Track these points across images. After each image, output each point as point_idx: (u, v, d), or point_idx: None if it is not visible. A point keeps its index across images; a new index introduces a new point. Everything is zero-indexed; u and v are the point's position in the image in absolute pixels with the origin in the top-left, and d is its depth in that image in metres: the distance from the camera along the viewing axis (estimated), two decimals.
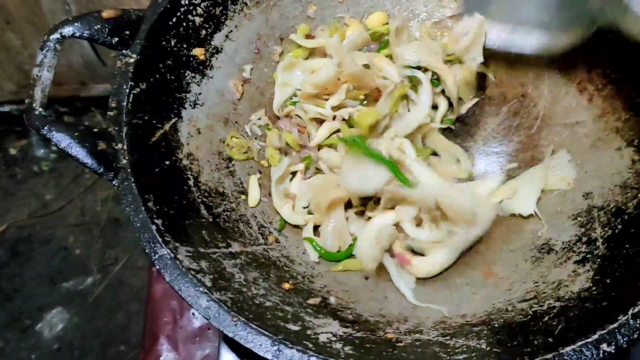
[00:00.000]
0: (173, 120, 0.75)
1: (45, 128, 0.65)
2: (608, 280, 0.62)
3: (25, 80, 1.86)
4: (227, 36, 0.84)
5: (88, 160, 0.65)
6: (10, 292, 1.74)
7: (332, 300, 0.68)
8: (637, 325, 0.54)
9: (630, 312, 0.54)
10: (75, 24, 0.72)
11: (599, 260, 0.65)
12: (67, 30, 0.72)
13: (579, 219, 0.71)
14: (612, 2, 0.67)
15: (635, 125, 0.73)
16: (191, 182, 0.72)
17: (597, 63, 0.78)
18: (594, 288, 0.62)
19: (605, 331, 0.54)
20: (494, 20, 0.78)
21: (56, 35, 0.71)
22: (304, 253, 0.74)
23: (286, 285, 0.67)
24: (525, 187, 0.78)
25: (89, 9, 1.67)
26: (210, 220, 0.70)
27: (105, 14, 0.74)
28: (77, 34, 0.72)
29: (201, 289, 0.57)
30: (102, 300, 1.72)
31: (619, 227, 0.67)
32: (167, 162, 0.71)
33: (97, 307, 1.72)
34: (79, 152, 0.65)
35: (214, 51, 0.83)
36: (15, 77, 1.84)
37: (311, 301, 0.66)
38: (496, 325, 0.62)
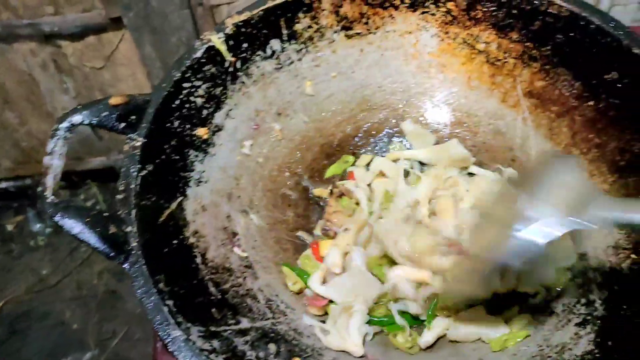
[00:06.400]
0: (179, 199, 0.77)
1: (58, 215, 0.67)
2: (609, 343, 0.64)
3: (22, 157, 1.88)
4: (227, 114, 0.87)
5: (100, 245, 0.66)
6: None
7: None
8: None
9: None
10: (84, 112, 0.76)
11: (598, 322, 0.67)
12: (77, 119, 0.75)
13: (576, 280, 0.73)
14: None
15: (621, 187, 0.76)
16: (198, 260, 0.74)
17: (580, 128, 0.83)
18: (596, 351, 0.64)
19: None
20: None
21: (66, 124, 0.74)
22: (310, 325, 0.75)
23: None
24: None
25: (86, 87, 1.72)
26: (219, 297, 0.71)
27: (113, 101, 0.77)
28: (86, 122, 0.75)
29: None
30: None
31: (615, 287, 0.70)
32: (175, 242, 0.73)
33: None
34: (90, 237, 0.66)
35: (216, 129, 0.86)
36: (12, 154, 1.87)
37: None
38: None
